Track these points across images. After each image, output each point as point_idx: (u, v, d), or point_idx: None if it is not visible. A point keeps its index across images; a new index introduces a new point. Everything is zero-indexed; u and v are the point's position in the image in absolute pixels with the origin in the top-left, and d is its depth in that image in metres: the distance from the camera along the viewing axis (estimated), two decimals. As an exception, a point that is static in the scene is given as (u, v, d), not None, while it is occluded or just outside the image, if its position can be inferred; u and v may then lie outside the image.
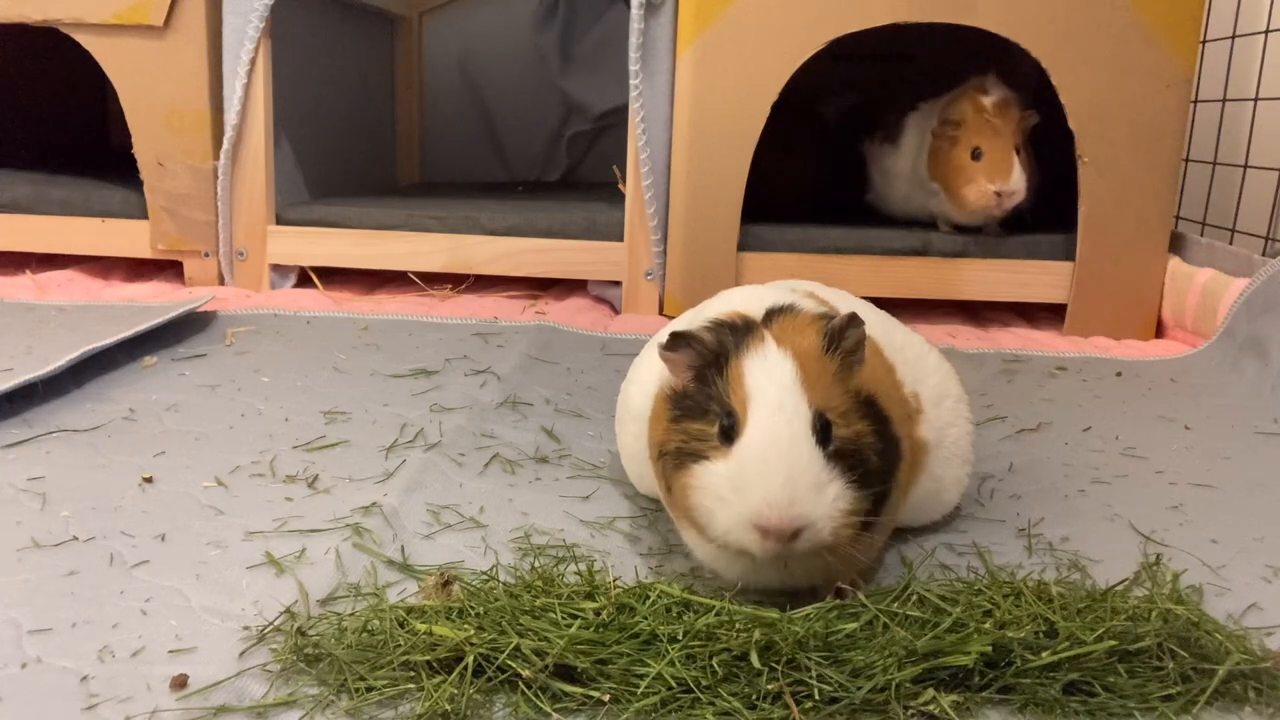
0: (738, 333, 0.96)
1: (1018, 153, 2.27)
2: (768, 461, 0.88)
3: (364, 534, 1.14)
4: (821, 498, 0.88)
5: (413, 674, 0.85)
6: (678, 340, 0.97)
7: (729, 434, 0.91)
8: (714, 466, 0.91)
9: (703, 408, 0.95)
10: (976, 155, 2.28)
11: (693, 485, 0.93)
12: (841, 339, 0.95)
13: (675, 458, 0.96)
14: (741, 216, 2.29)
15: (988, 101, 2.27)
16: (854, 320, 0.96)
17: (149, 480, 1.28)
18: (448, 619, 0.90)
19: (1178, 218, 2.52)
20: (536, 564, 1.06)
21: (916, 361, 1.17)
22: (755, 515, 0.87)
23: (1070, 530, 1.23)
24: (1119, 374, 1.95)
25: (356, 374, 1.77)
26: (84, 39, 2.35)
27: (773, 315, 0.99)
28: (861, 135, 2.72)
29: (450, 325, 2.12)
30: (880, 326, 1.16)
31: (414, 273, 2.48)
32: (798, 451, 0.88)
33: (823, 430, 0.91)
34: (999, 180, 2.25)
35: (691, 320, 1.10)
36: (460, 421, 1.53)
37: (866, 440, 0.93)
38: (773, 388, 0.91)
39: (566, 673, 0.85)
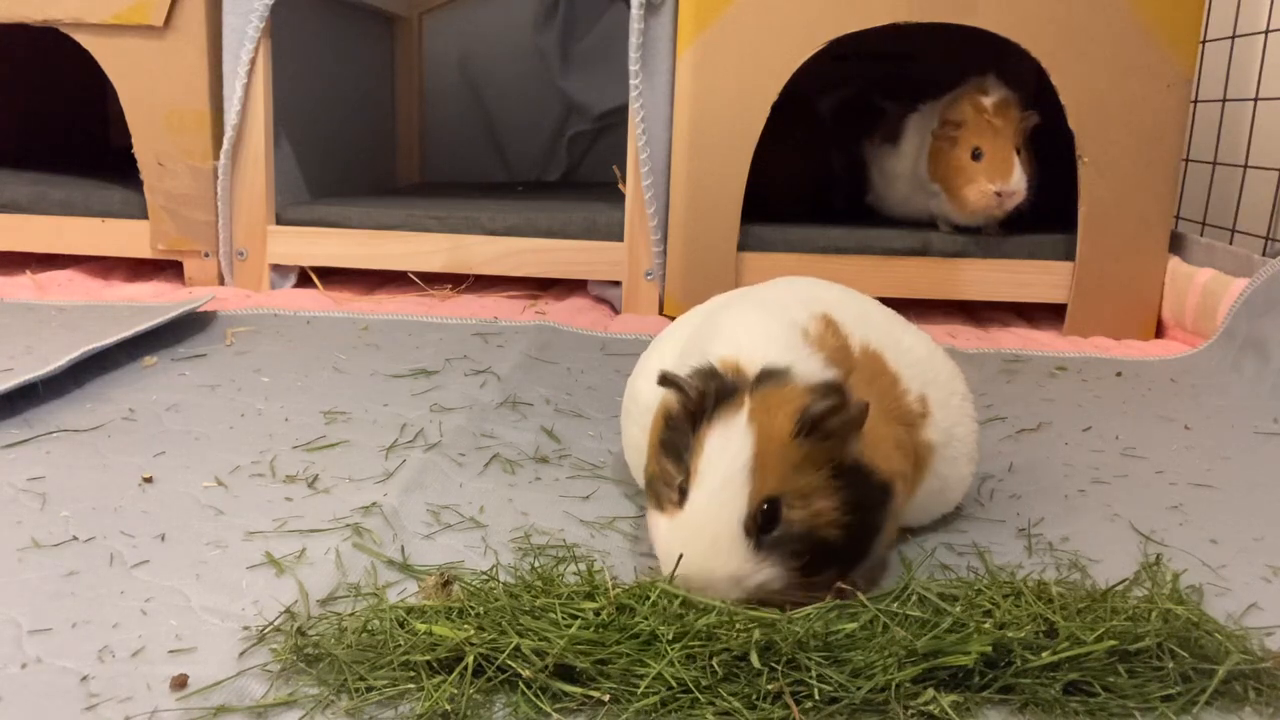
0: (722, 392, 0.95)
1: (1018, 153, 2.27)
2: (689, 547, 0.92)
3: (364, 534, 1.14)
4: (737, 588, 0.91)
5: (413, 674, 0.85)
6: (668, 383, 0.99)
7: (683, 495, 0.94)
8: (664, 523, 0.96)
9: (677, 452, 0.97)
10: (977, 155, 2.28)
11: (651, 527, 0.99)
12: (816, 428, 0.92)
13: (650, 487, 1.01)
14: (741, 216, 2.29)
15: (988, 102, 2.27)
16: (835, 411, 0.92)
17: (149, 480, 1.28)
18: (448, 619, 0.90)
19: (1178, 218, 2.52)
20: (536, 564, 1.06)
21: (925, 361, 1.16)
22: (680, 583, 0.92)
23: (1070, 530, 1.23)
24: (1119, 374, 1.96)
25: (356, 374, 1.77)
26: (84, 39, 2.35)
27: (763, 380, 0.96)
28: (857, 130, 2.72)
29: (450, 325, 2.12)
30: (886, 329, 1.16)
31: (414, 273, 2.48)
32: (719, 546, 0.91)
33: (765, 517, 0.91)
34: (999, 180, 2.25)
35: (693, 334, 1.11)
36: (460, 421, 1.53)
37: (826, 518, 0.92)
38: (720, 470, 0.92)
39: (566, 673, 0.85)
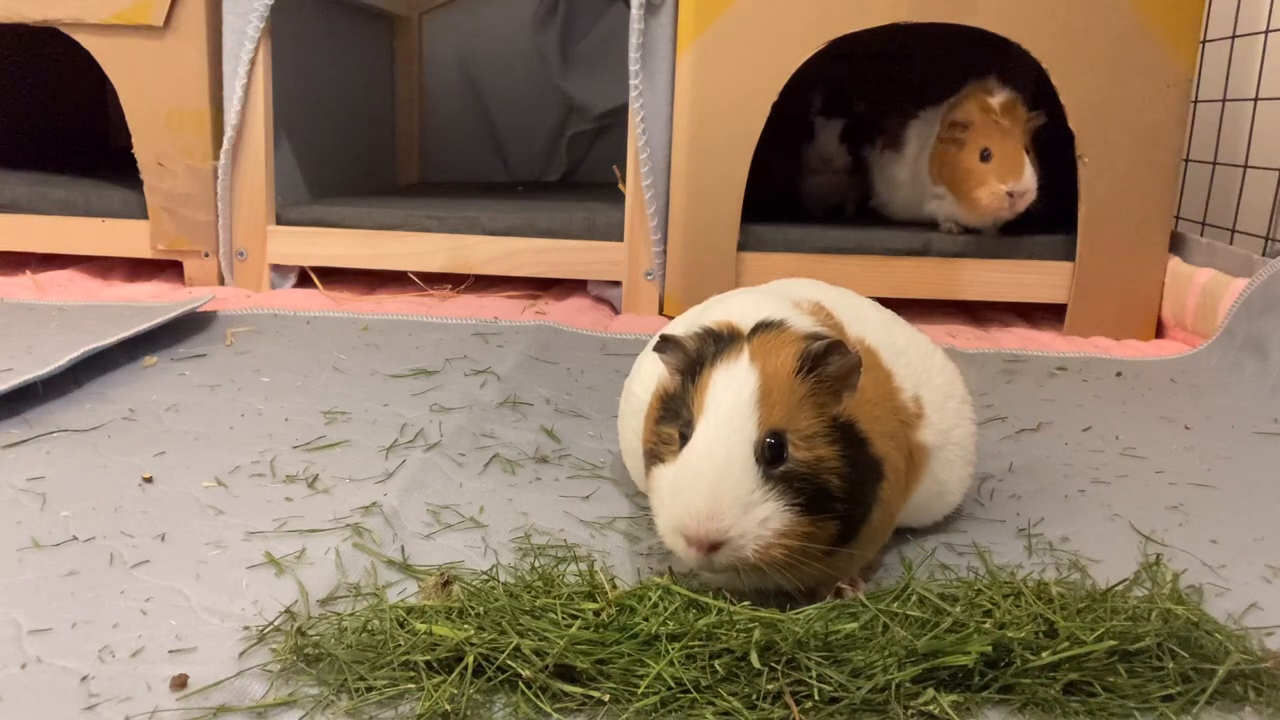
0: (720, 342, 0.97)
1: (1026, 153, 2.26)
2: (698, 473, 0.91)
3: (364, 534, 1.14)
4: (746, 517, 0.89)
5: (413, 674, 0.85)
6: (665, 343, 1.00)
7: (685, 440, 0.94)
8: (666, 470, 0.95)
9: (675, 412, 0.97)
10: (985, 157, 2.27)
11: (651, 486, 0.97)
12: (819, 364, 0.94)
13: (648, 458, 1.00)
14: (741, 216, 2.29)
15: (994, 102, 2.27)
16: (835, 350, 0.94)
17: (149, 480, 1.28)
18: (448, 619, 0.90)
19: (1178, 218, 2.52)
20: (536, 564, 1.06)
21: (920, 363, 1.16)
22: (679, 523, 0.90)
23: (1070, 530, 1.23)
24: (1119, 374, 1.96)
25: (356, 374, 1.77)
26: (84, 39, 2.35)
27: (759, 329, 0.99)
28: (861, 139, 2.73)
29: (450, 325, 2.12)
30: (883, 327, 1.16)
31: (414, 273, 2.48)
32: (729, 468, 0.90)
33: (772, 450, 0.91)
34: (1011, 180, 2.24)
35: (693, 321, 1.10)
36: (460, 421, 1.53)
37: (828, 465, 0.92)
38: (727, 401, 0.92)
39: (566, 673, 0.85)
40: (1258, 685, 0.88)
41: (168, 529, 1.15)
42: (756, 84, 2.23)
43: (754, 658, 0.84)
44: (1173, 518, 1.28)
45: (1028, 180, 2.24)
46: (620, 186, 2.38)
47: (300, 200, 2.62)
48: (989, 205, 2.28)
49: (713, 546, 0.89)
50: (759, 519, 0.89)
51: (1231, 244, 2.35)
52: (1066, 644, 0.86)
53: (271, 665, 0.88)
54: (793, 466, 0.91)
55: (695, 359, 0.98)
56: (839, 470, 0.93)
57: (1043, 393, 1.82)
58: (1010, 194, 2.24)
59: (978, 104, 2.29)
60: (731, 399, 0.92)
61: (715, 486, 0.89)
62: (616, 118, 3.45)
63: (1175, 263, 2.26)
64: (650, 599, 0.92)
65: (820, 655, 0.85)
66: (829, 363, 0.94)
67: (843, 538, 0.94)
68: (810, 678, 0.83)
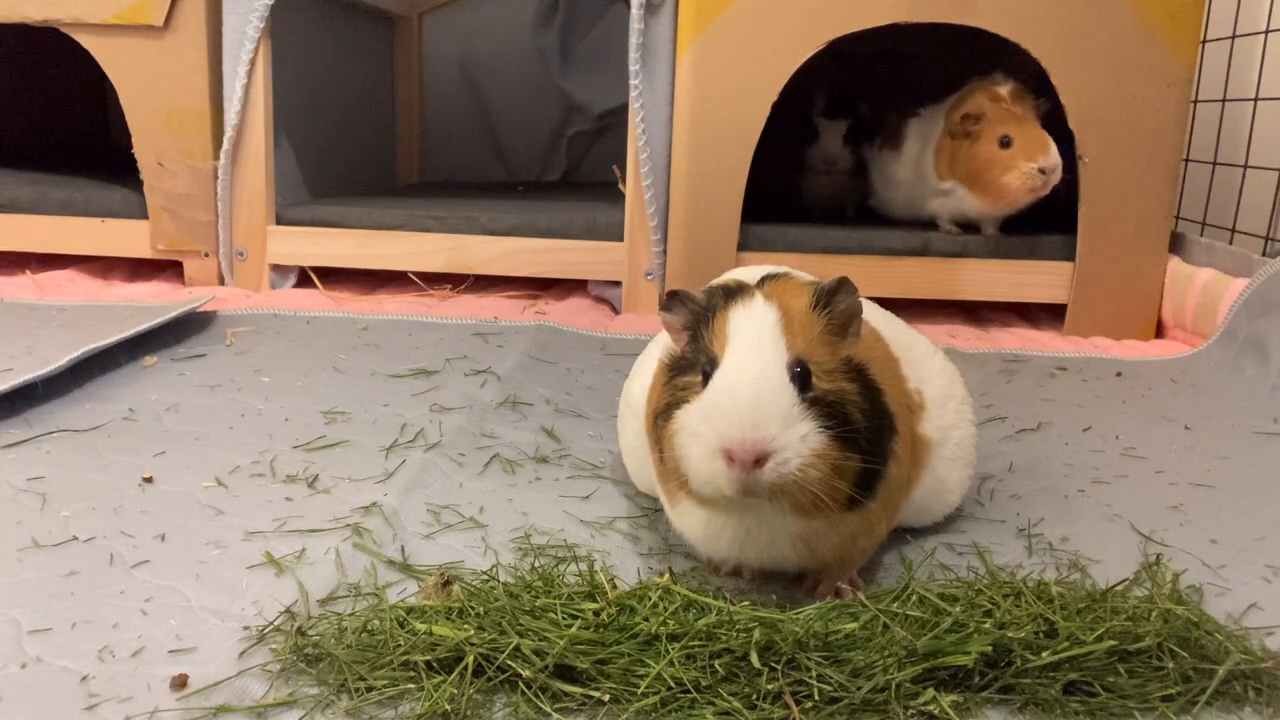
0: (729, 292, 0.98)
1: None
2: (736, 387, 0.89)
3: (364, 534, 1.14)
4: (789, 430, 0.87)
5: (413, 674, 0.85)
6: (672, 300, 1.00)
7: (709, 377, 0.92)
8: (691, 406, 0.92)
9: (692, 363, 0.96)
10: (1006, 143, 2.27)
11: (673, 429, 0.93)
12: (831, 299, 0.95)
13: (664, 415, 0.96)
14: (741, 216, 2.29)
15: (1004, 91, 2.28)
16: (845, 286, 0.95)
17: (149, 480, 1.28)
18: (448, 619, 0.90)
19: (1178, 218, 2.52)
20: (536, 564, 1.06)
21: (921, 361, 1.17)
22: (721, 438, 0.87)
23: (1070, 530, 1.23)
24: (1119, 374, 1.95)
25: (356, 374, 1.77)
26: (84, 39, 2.35)
27: (766, 280, 1.00)
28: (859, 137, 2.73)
29: (450, 325, 2.12)
30: (885, 326, 1.16)
31: (414, 273, 2.48)
32: (766, 382, 0.89)
33: (800, 375, 0.90)
34: (1040, 157, 2.24)
35: None
36: (460, 421, 1.53)
37: (850, 398, 0.92)
38: (751, 330, 0.92)
39: (566, 673, 0.85)
40: (1258, 685, 0.88)
41: (168, 529, 1.15)
42: (757, 84, 2.23)
43: (754, 658, 0.84)
44: (1173, 518, 1.28)
45: (1055, 155, 2.24)
46: (620, 186, 2.38)
47: (300, 200, 2.62)
48: (1020, 186, 2.26)
49: (758, 461, 0.86)
50: (800, 434, 0.88)
51: (1231, 244, 2.35)
52: (1066, 644, 0.87)
53: (271, 665, 0.88)
54: (820, 394, 0.90)
55: (705, 310, 0.97)
56: (860, 406, 0.93)
57: (1043, 393, 1.82)
58: (1042, 170, 2.24)
59: (987, 95, 2.30)
60: (756, 327, 0.92)
61: (755, 397, 0.88)
62: (616, 118, 3.45)
63: (1175, 263, 2.26)
64: (650, 599, 0.92)
65: (820, 655, 0.85)
66: (839, 300, 0.95)
67: (864, 484, 0.93)
68: (810, 678, 0.83)
